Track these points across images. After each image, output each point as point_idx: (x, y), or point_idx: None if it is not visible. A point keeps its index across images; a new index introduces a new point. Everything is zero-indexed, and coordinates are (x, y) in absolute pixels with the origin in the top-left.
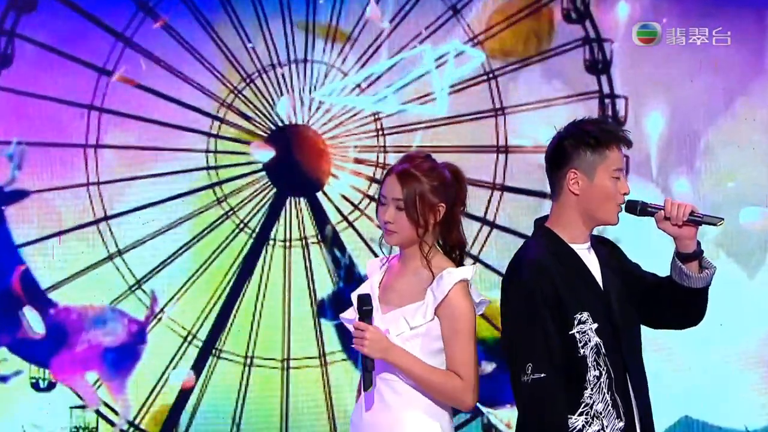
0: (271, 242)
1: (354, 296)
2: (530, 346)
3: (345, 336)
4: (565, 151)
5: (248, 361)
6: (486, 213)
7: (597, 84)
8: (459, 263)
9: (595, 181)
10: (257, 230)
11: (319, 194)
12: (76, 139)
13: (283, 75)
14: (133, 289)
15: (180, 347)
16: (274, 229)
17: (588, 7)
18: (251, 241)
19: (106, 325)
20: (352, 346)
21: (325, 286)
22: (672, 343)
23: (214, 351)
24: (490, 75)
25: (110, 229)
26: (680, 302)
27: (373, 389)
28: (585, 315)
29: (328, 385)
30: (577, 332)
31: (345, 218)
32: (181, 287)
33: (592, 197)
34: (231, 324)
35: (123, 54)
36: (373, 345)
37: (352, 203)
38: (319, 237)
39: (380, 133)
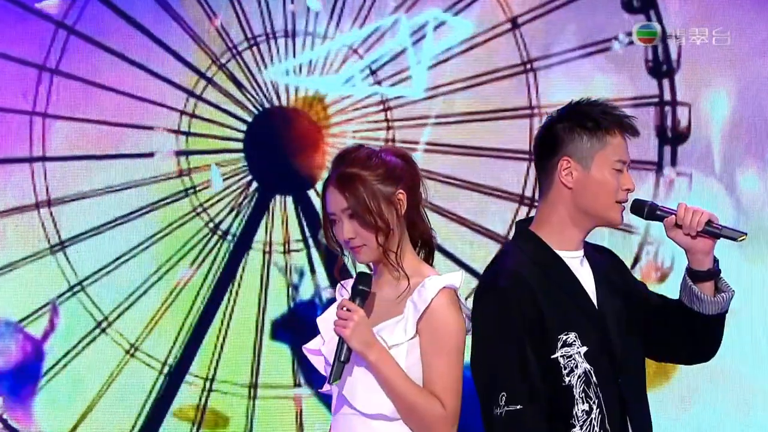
0: (229, 240)
1: (319, 321)
2: (504, 372)
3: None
4: (557, 136)
5: (167, 369)
6: (523, 190)
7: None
8: (428, 260)
9: (592, 171)
10: (237, 234)
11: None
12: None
13: (269, 48)
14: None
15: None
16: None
17: (671, 67)
18: (228, 246)
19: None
20: (334, 329)
21: (280, 303)
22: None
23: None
24: (528, 67)
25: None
26: (689, 331)
27: (339, 389)
28: (572, 336)
29: (251, 422)
30: (561, 356)
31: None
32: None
33: (588, 190)
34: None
35: (68, 41)
36: (358, 331)
37: None
38: (286, 247)
39: (387, 120)
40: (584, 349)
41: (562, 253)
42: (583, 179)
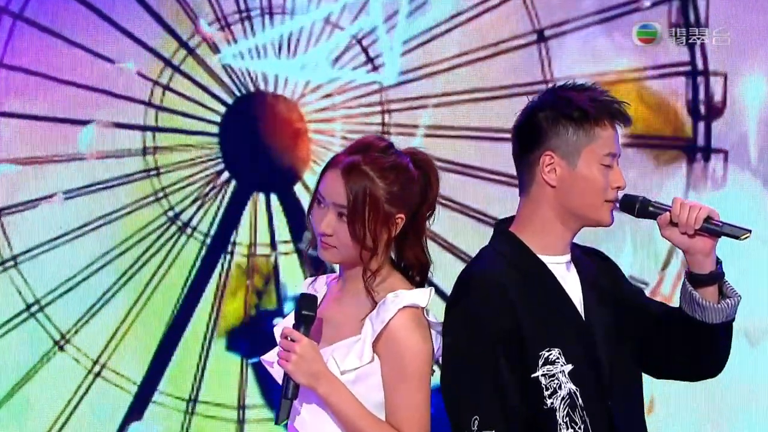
0: (187, 233)
1: (277, 330)
2: (477, 393)
3: (260, 384)
4: (539, 127)
5: (96, 368)
6: None
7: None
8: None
9: (579, 168)
10: (210, 236)
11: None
12: None
13: (262, 22)
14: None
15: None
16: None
17: (711, 113)
18: (201, 249)
19: None
20: (276, 361)
21: (237, 311)
22: None
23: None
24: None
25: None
26: (691, 342)
27: (288, 424)
28: (555, 352)
29: None
30: (542, 375)
31: None
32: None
33: (574, 189)
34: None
35: None
36: (302, 364)
37: None
38: (251, 250)
39: (383, 107)
40: (569, 367)
41: (545, 258)
42: (569, 177)
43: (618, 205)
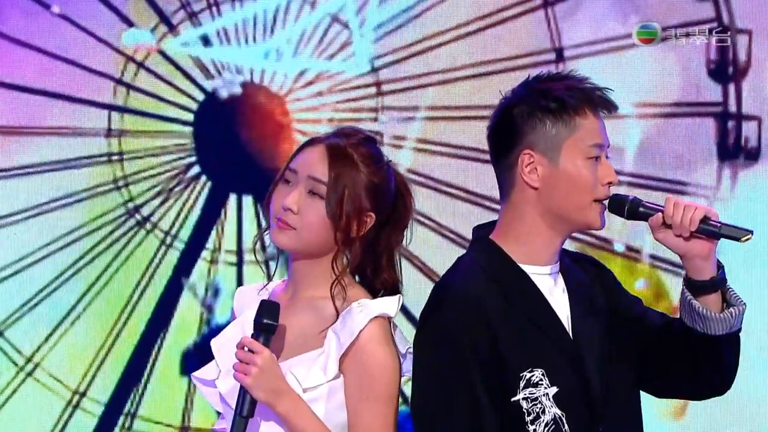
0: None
1: (214, 343)
2: (450, 419)
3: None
4: (514, 123)
5: (28, 367)
6: None
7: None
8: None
9: (562, 164)
10: (187, 242)
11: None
12: None
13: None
14: None
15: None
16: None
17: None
18: (160, 247)
19: None
20: (233, 375)
21: (191, 328)
22: None
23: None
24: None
25: None
26: (692, 356)
27: None
28: (538, 373)
29: None
30: (524, 399)
31: None
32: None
33: (559, 188)
34: None
35: None
36: (263, 378)
37: None
38: (214, 256)
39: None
40: (553, 389)
41: (528, 268)
42: (551, 175)
43: (606, 205)
